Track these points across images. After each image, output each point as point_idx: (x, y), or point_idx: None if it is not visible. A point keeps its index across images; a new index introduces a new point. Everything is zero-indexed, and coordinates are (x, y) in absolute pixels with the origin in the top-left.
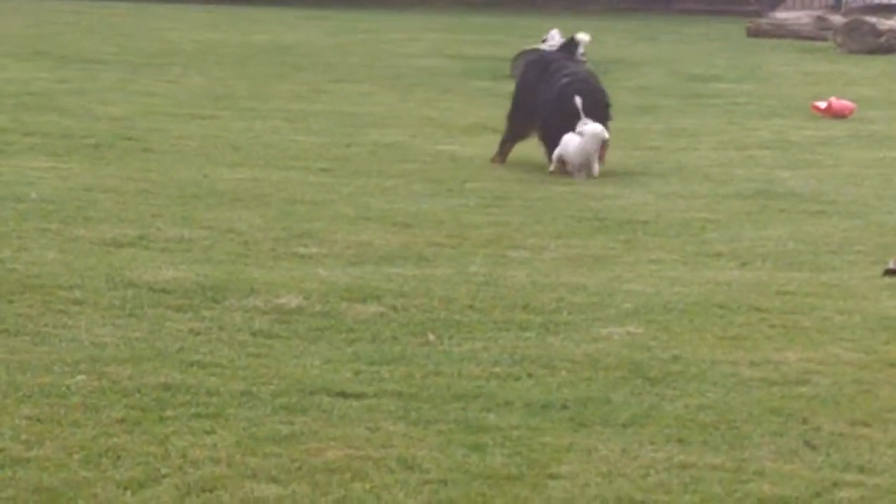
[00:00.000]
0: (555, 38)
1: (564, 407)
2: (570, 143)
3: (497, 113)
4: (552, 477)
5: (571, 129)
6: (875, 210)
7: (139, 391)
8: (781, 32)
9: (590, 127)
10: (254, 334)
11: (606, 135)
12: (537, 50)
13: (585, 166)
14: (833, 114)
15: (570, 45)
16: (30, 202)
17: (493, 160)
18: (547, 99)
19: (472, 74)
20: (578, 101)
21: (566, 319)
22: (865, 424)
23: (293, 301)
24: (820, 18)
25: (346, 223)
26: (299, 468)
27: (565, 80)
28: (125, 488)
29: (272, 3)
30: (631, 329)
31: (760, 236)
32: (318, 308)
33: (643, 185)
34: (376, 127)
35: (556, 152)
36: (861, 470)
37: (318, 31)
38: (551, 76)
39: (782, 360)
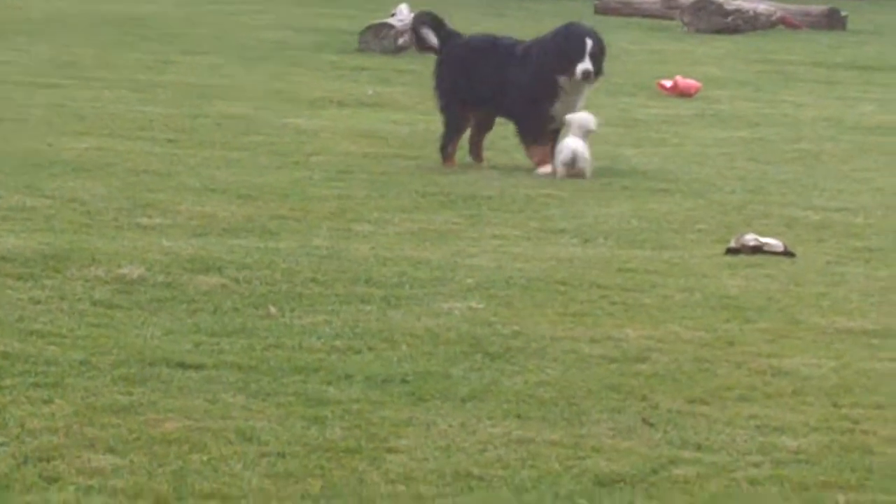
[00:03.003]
0: (403, 13)
1: (404, 381)
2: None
3: (344, 86)
4: (391, 450)
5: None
6: (718, 189)
7: None
8: (629, 11)
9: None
10: (94, 304)
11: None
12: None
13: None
14: (678, 92)
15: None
16: None
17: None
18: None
19: (320, 48)
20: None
21: (408, 293)
22: (703, 402)
23: (135, 271)
24: None
25: (190, 194)
26: (137, 439)
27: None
28: None
29: None
30: (472, 304)
31: (603, 213)
32: (159, 279)
33: (487, 162)
34: (223, 99)
35: (568, 156)
36: (698, 447)
37: (167, 1)
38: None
39: (622, 337)
